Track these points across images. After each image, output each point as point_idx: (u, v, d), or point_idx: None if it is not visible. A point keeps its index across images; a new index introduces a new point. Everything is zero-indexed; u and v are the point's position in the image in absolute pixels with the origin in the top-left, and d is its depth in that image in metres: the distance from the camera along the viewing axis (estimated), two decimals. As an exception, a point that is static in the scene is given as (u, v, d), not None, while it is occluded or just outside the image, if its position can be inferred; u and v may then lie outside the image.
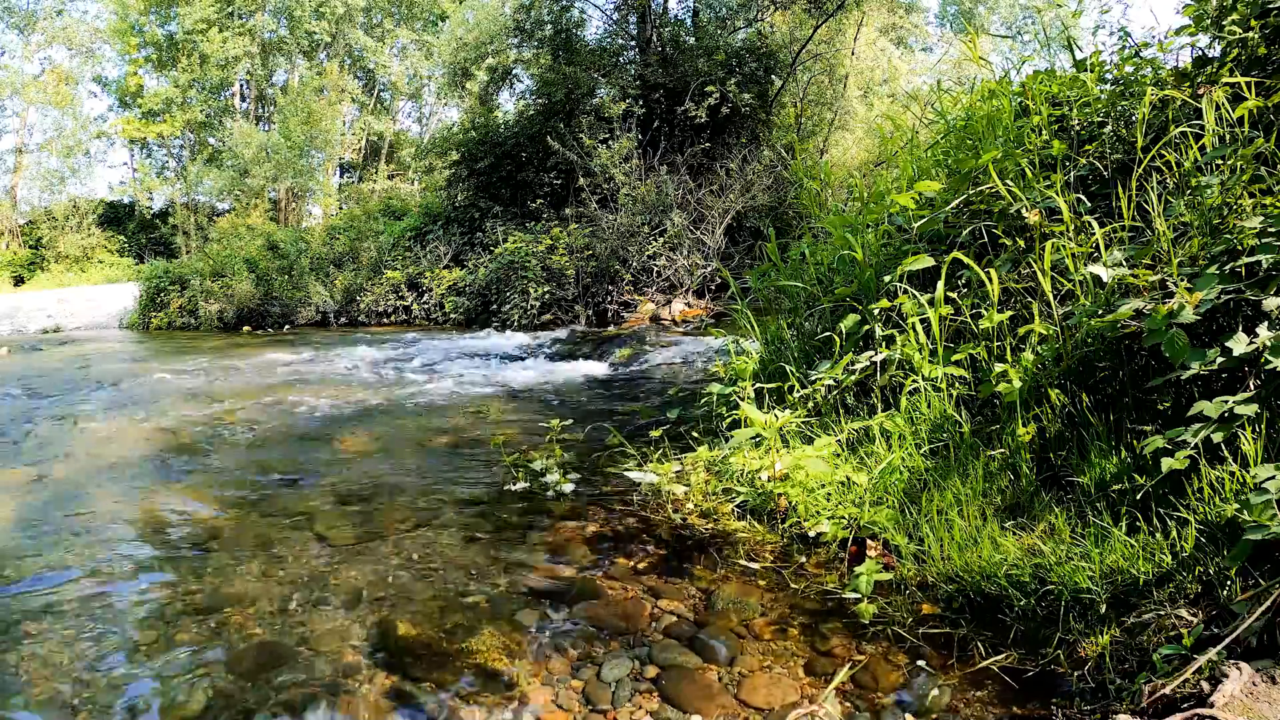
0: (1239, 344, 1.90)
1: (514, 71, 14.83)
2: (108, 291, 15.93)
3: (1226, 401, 1.90)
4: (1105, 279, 2.38)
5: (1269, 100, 2.48)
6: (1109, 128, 2.92)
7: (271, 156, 20.37)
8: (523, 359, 7.73)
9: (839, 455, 2.81)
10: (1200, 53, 3.03)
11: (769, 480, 2.80)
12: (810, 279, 3.80)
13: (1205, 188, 2.33)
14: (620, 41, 14.05)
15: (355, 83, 25.60)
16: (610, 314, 10.75)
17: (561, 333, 9.67)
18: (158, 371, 7.26)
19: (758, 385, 3.44)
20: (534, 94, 13.77)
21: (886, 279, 3.15)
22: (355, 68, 26.17)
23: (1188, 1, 2.94)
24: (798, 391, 3.27)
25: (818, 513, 2.62)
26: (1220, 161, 2.42)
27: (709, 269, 10.54)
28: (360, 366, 7.48)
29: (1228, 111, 2.46)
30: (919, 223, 3.26)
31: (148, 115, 23.38)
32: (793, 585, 2.33)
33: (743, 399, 3.27)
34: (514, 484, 3.35)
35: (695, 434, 3.58)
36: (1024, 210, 2.74)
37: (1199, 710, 1.40)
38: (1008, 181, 2.90)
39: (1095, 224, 2.53)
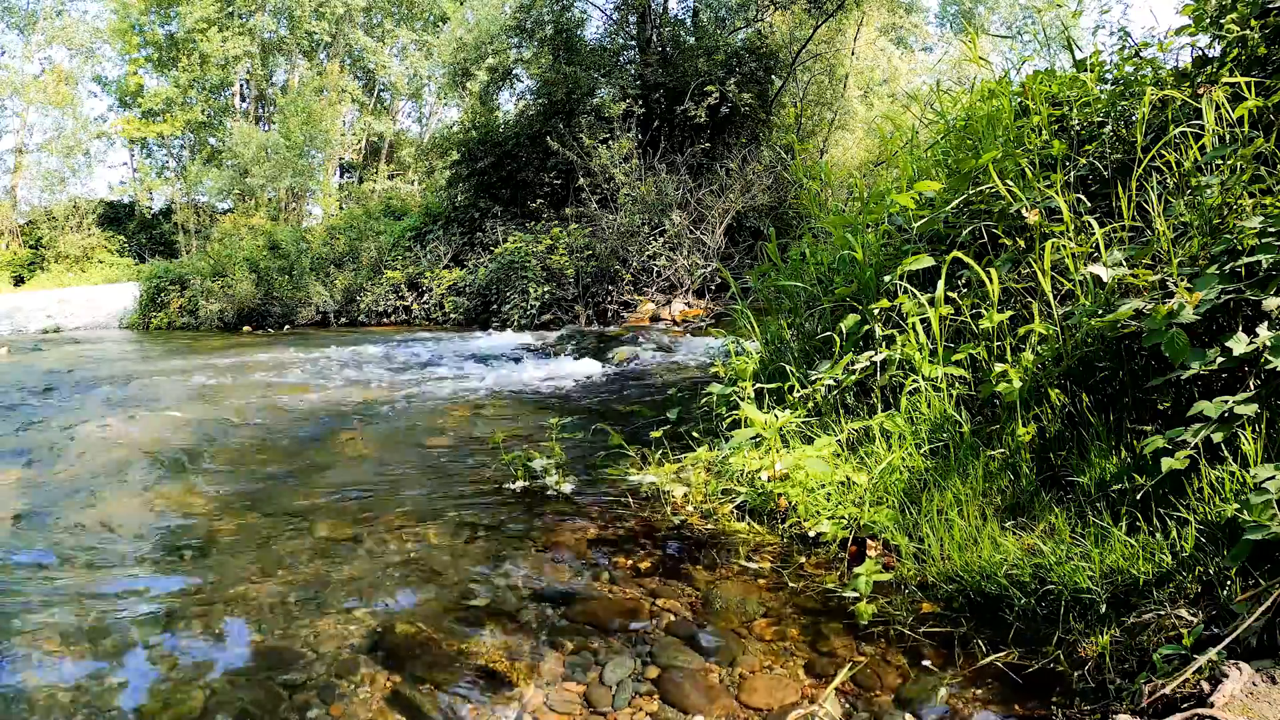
0: (1239, 344, 1.90)
1: (514, 71, 14.81)
2: (108, 291, 15.92)
3: (1226, 401, 1.90)
4: (1105, 279, 2.38)
5: (1269, 100, 2.48)
6: (1109, 128, 2.92)
7: (271, 156, 20.38)
8: (523, 359, 7.73)
9: (839, 455, 2.81)
10: (1200, 53, 3.03)
11: (769, 480, 2.80)
12: (810, 279, 3.79)
13: (1205, 188, 2.33)
14: (620, 41, 14.05)
15: (355, 83, 25.60)
16: (610, 314, 10.75)
17: (562, 332, 9.66)
18: (157, 371, 7.26)
19: (758, 385, 3.44)
20: (534, 94, 13.76)
21: (886, 279, 3.15)
22: (355, 68, 26.17)
23: (1187, 1, 2.94)
24: (798, 391, 3.27)
25: (818, 513, 2.62)
26: (1220, 161, 2.41)
27: (709, 269, 10.54)
28: (360, 366, 7.48)
29: (1227, 111, 2.46)
30: (919, 223, 3.26)
31: (148, 115, 23.39)
32: (793, 585, 2.33)
33: (743, 399, 3.27)
34: (514, 483, 3.35)
35: (695, 434, 3.58)
36: (1024, 210, 2.74)
37: (1199, 710, 1.40)
38: (1008, 181, 2.89)
39: (1095, 224, 2.53)
